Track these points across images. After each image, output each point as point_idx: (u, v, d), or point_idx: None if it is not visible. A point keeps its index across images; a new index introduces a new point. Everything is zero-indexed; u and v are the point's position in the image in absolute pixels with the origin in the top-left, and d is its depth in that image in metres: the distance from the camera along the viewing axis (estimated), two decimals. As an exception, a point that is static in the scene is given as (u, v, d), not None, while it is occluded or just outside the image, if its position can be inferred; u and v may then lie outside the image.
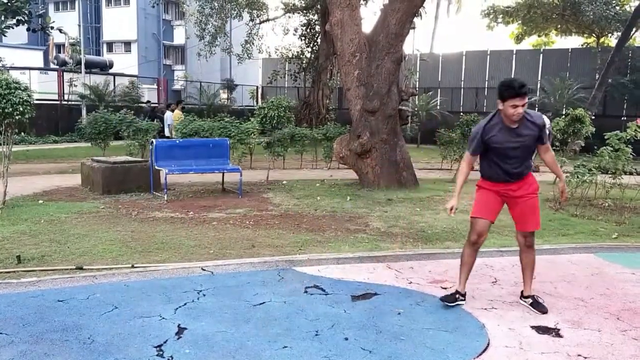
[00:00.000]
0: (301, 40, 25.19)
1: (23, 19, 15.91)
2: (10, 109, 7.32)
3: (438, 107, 23.71)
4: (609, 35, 24.64)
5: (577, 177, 8.32)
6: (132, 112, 13.92)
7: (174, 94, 37.01)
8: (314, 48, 24.75)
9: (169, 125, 15.92)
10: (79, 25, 27.93)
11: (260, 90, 32.07)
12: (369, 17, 24.57)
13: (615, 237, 6.74)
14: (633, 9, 21.28)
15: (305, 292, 4.41)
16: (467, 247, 4.21)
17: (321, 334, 3.54)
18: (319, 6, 22.10)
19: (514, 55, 25.83)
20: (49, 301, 4.06)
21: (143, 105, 23.55)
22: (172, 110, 16.70)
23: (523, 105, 3.85)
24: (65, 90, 23.50)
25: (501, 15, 25.01)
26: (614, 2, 22.46)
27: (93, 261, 5.18)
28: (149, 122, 14.00)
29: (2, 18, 15.29)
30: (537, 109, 23.77)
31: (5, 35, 16.14)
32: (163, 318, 3.78)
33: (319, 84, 23.22)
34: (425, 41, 68.56)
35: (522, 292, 4.29)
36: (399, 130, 10.55)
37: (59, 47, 33.58)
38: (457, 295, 4.19)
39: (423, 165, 14.81)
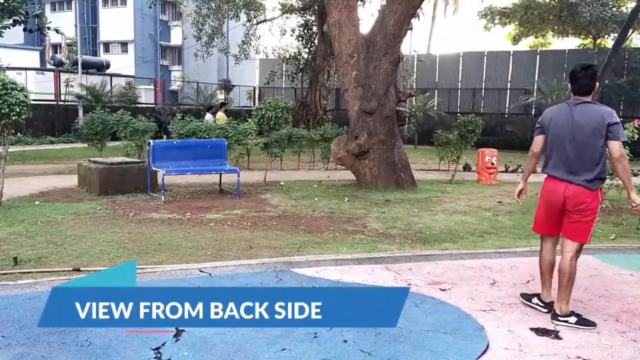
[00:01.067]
0: (298, 41, 25.14)
1: (20, 19, 15.90)
2: (7, 110, 7.27)
3: (435, 108, 23.72)
4: (606, 36, 24.74)
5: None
6: (129, 112, 13.89)
7: (171, 95, 37.02)
8: (312, 49, 24.71)
9: None
10: (76, 26, 27.78)
11: (257, 91, 32.06)
12: (367, 18, 24.69)
13: (613, 239, 6.75)
14: (629, 10, 21.35)
15: (304, 293, 4.40)
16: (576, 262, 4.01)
17: (320, 336, 3.53)
18: (316, 7, 22.08)
19: (511, 56, 25.86)
20: (46, 303, 4.02)
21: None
22: (213, 114, 16.44)
23: None
24: (62, 90, 23.41)
25: (498, 17, 25.07)
26: (610, 3, 22.54)
27: (90, 263, 5.15)
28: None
29: (-1, 18, 15.27)
30: (534, 110, 23.89)
31: (1, 36, 16.10)
32: (161, 320, 3.76)
33: (316, 84, 23.19)
34: (422, 42, 69.00)
35: (539, 294, 4.20)
36: (396, 131, 10.55)
37: (56, 47, 33.51)
38: (578, 314, 3.96)
39: (421, 166, 14.81)
